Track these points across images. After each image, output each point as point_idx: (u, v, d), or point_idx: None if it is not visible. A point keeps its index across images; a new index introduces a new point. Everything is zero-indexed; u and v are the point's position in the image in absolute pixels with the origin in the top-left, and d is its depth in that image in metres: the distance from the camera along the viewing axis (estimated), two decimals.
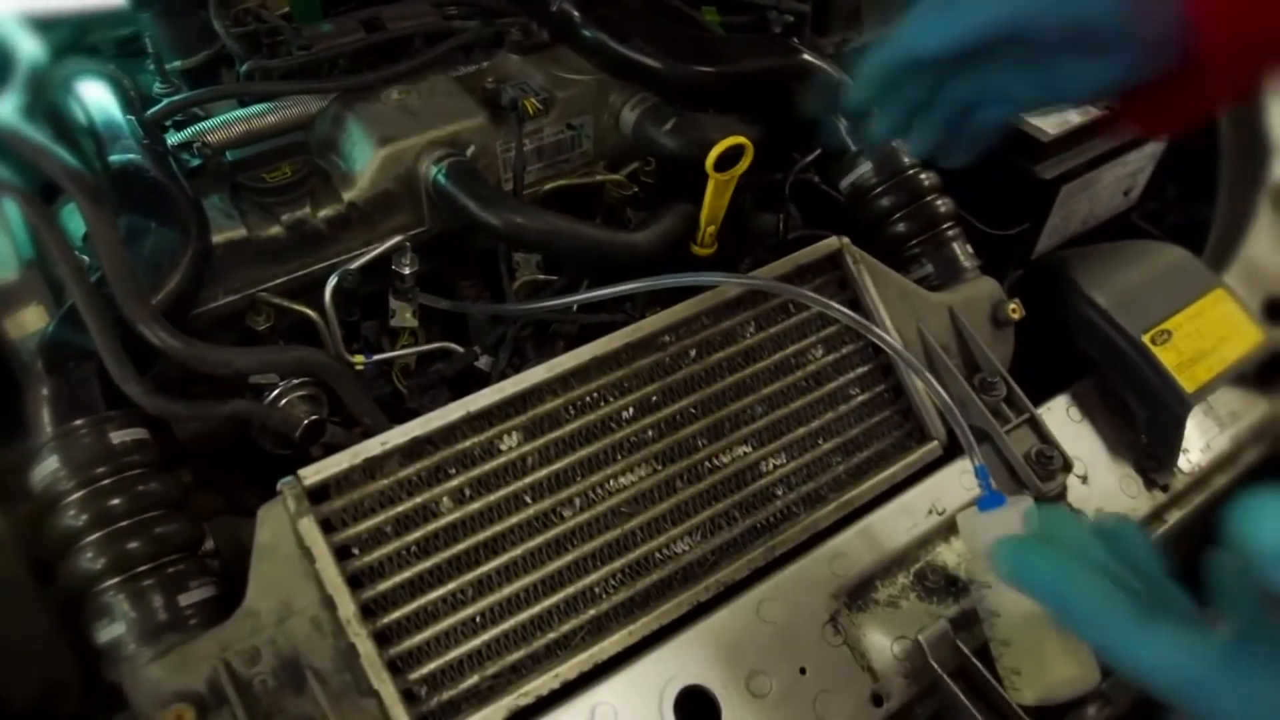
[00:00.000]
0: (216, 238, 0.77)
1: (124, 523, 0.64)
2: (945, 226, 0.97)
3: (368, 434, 0.74)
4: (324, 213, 0.82)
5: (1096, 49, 0.57)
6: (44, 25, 0.85)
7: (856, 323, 0.80)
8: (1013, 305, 0.92)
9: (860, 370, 0.86)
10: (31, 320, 0.73)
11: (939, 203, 0.97)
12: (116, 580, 0.63)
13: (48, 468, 0.65)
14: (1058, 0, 0.57)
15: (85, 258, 0.73)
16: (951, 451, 0.85)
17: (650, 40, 0.92)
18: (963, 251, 0.97)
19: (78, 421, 0.65)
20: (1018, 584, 0.49)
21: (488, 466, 0.71)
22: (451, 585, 0.69)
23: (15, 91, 0.76)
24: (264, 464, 0.79)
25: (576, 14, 0.93)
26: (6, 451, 0.70)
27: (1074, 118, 1.02)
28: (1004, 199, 1.04)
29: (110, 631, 0.63)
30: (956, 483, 0.83)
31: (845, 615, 0.75)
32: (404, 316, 0.87)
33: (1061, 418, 0.91)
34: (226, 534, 0.77)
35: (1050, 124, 1.03)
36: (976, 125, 0.67)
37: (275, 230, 0.81)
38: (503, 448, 0.72)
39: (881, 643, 0.75)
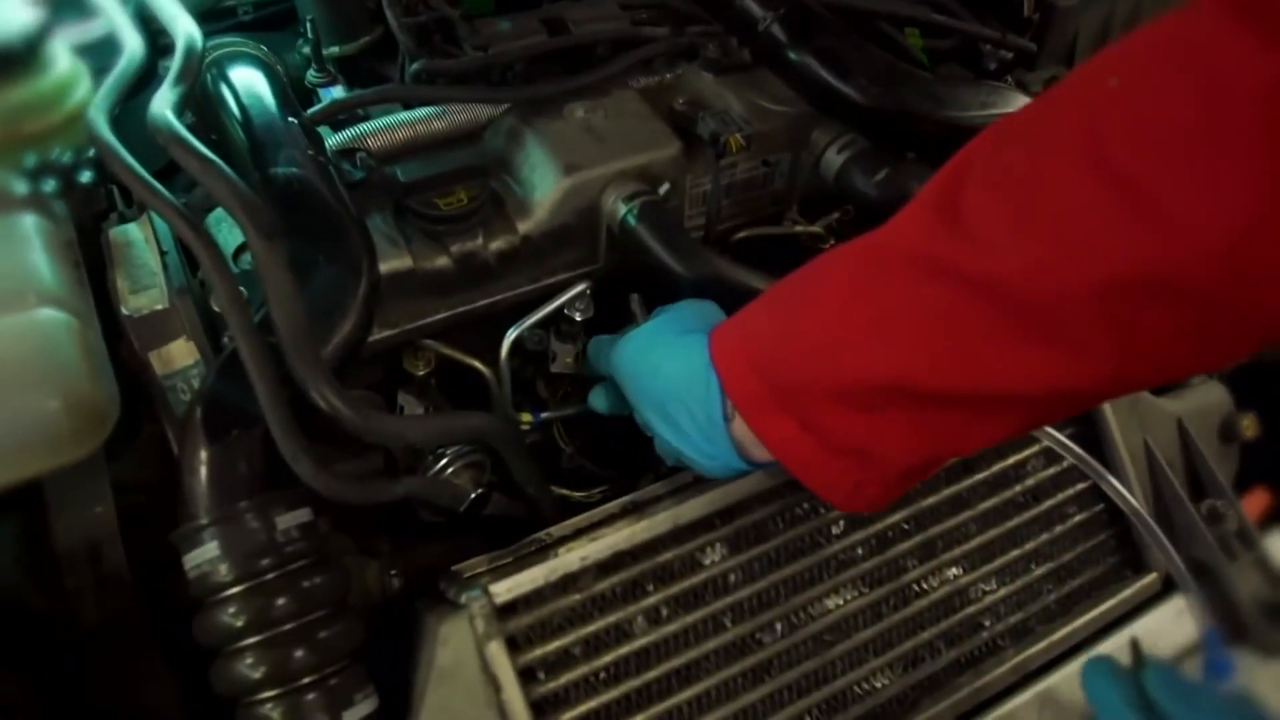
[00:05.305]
0: (382, 267, 0.68)
1: (287, 626, 0.56)
2: None
3: (531, 504, 0.67)
4: (495, 245, 0.73)
5: None
6: None
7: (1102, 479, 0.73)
8: (1247, 421, 0.82)
9: (1080, 486, 0.77)
10: (179, 355, 0.63)
11: None
12: (276, 692, 0.55)
13: (205, 554, 0.55)
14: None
15: (243, 290, 0.63)
16: (1169, 584, 0.76)
17: (864, 74, 0.81)
18: None
19: (242, 504, 0.56)
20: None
21: (687, 583, 0.63)
22: (640, 717, 0.60)
23: (173, 83, 0.65)
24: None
25: (785, 37, 0.82)
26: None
27: None
28: None
29: None
30: (1172, 624, 0.75)
31: None
32: (565, 362, 0.77)
33: None
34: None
35: None
36: None
37: (443, 262, 0.71)
38: (705, 562, 0.64)
39: None
